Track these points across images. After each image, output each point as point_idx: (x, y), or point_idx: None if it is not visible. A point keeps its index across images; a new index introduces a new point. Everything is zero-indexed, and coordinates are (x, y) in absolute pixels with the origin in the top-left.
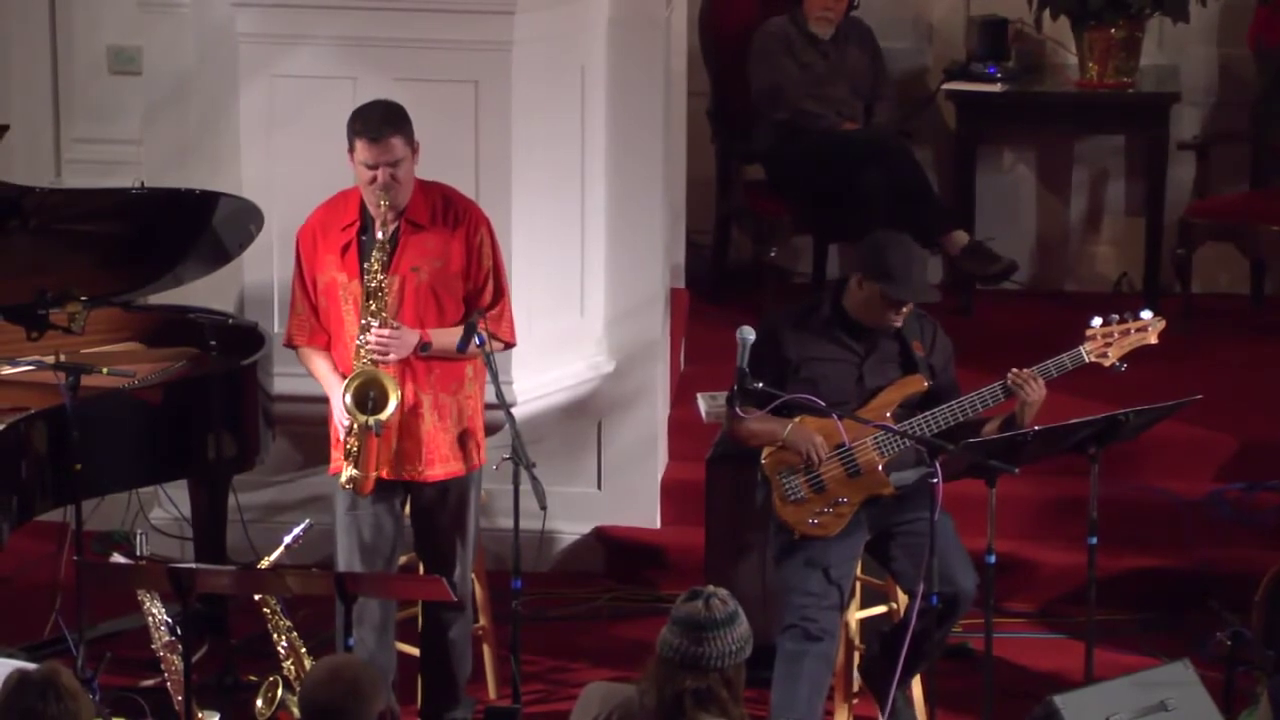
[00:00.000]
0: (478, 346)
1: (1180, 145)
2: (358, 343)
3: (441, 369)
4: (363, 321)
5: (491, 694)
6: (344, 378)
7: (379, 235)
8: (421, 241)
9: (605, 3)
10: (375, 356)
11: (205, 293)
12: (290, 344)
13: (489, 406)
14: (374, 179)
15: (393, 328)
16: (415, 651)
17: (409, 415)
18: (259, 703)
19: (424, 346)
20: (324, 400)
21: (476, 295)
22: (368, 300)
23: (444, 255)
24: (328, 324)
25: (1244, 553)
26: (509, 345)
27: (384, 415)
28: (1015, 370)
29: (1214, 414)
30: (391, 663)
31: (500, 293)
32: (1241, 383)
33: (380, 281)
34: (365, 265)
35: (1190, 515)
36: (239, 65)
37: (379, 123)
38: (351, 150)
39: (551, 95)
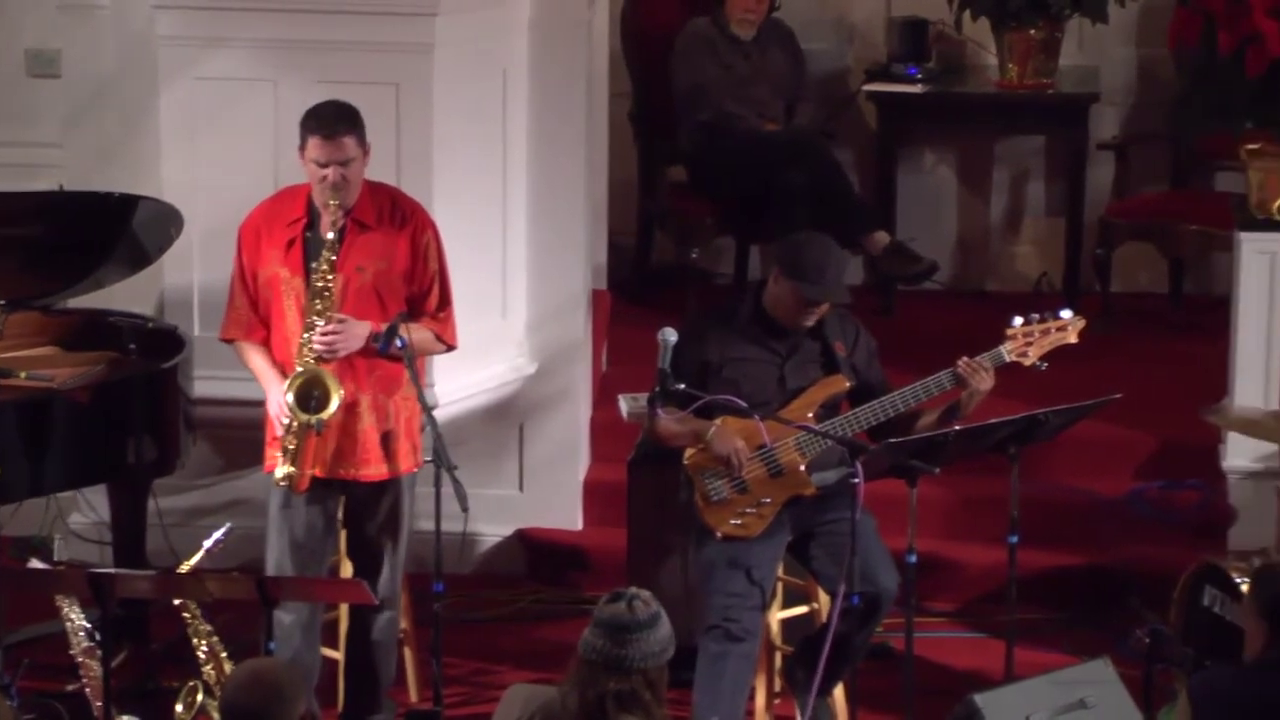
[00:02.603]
0: (399, 348)
1: (1100, 145)
2: (302, 340)
3: (382, 369)
4: (308, 320)
5: (413, 697)
6: (283, 372)
7: (329, 234)
8: (367, 242)
9: (527, 5)
10: (323, 354)
11: (125, 296)
12: (225, 339)
13: None
14: (325, 177)
15: (338, 321)
16: (338, 654)
17: (347, 414)
18: (179, 708)
19: (375, 336)
20: (245, 403)
21: (422, 298)
22: (314, 299)
23: (389, 256)
24: (267, 318)
25: (1163, 551)
26: (450, 348)
27: (326, 414)
28: (965, 359)
29: (1133, 413)
30: (316, 663)
31: (446, 297)
32: (1161, 382)
33: (329, 281)
34: (313, 264)
35: (1110, 514)
36: (159, 68)
37: (333, 121)
38: (303, 148)
39: (473, 97)
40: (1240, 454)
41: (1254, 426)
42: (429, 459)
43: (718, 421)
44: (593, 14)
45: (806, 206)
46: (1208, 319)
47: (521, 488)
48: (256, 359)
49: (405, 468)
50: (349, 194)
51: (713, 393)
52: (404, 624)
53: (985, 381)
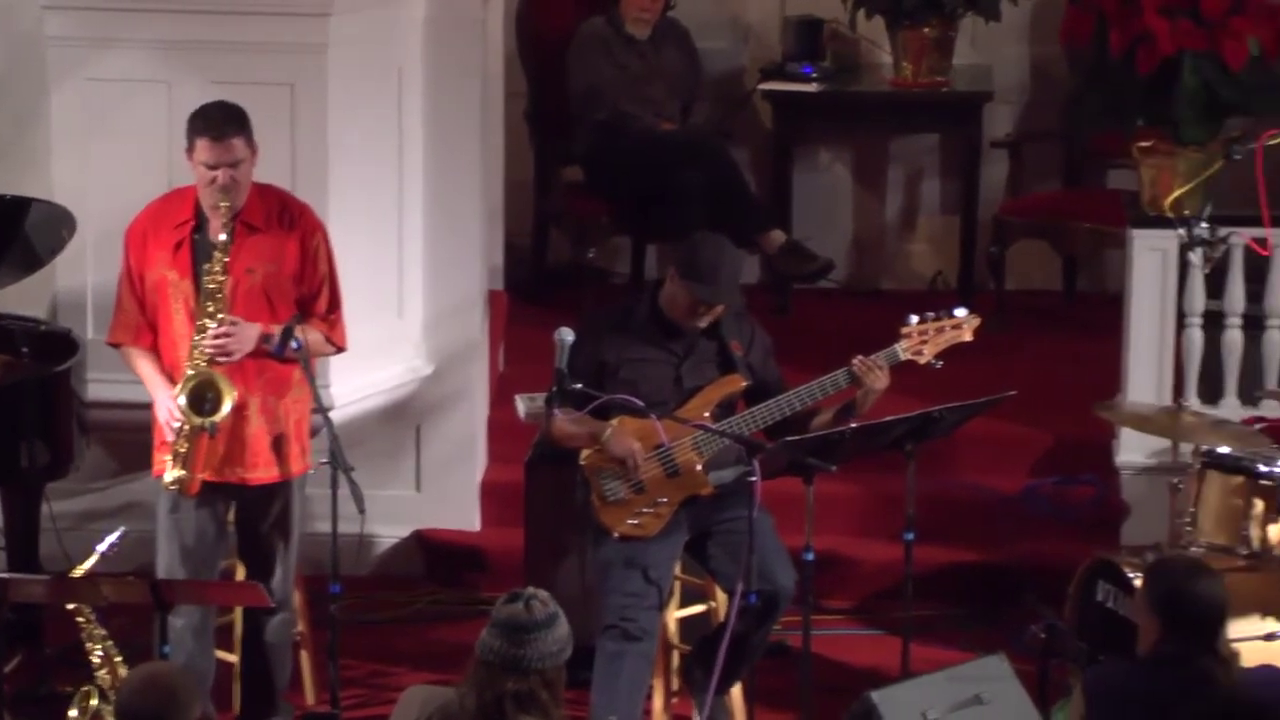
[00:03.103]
0: (294, 350)
1: (994, 143)
2: (194, 343)
3: (271, 372)
4: (199, 322)
5: (310, 699)
6: (170, 377)
7: (220, 236)
8: (256, 244)
9: (421, 4)
10: (215, 356)
11: (16, 298)
12: (113, 343)
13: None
14: (214, 179)
15: (230, 323)
16: (233, 658)
17: (235, 418)
18: (73, 713)
19: (267, 338)
20: (139, 406)
21: (312, 300)
22: (205, 301)
23: (278, 258)
24: (154, 321)
25: (1058, 546)
26: (340, 350)
27: (218, 416)
28: (860, 358)
29: (1028, 410)
30: (210, 667)
31: (335, 299)
32: (1055, 378)
33: (220, 283)
34: (205, 266)
35: (1005, 510)
36: (49, 69)
37: (221, 123)
38: (191, 150)
39: (368, 97)
40: (1133, 450)
41: (1147, 422)
42: (325, 460)
43: (614, 422)
44: (487, 13)
45: (703, 206)
46: (1101, 316)
47: (418, 489)
48: (144, 365)
49: (295, 470)
50: (238, 196)
51: (610, 393)
52: (300, 626)
53: (880, 380)
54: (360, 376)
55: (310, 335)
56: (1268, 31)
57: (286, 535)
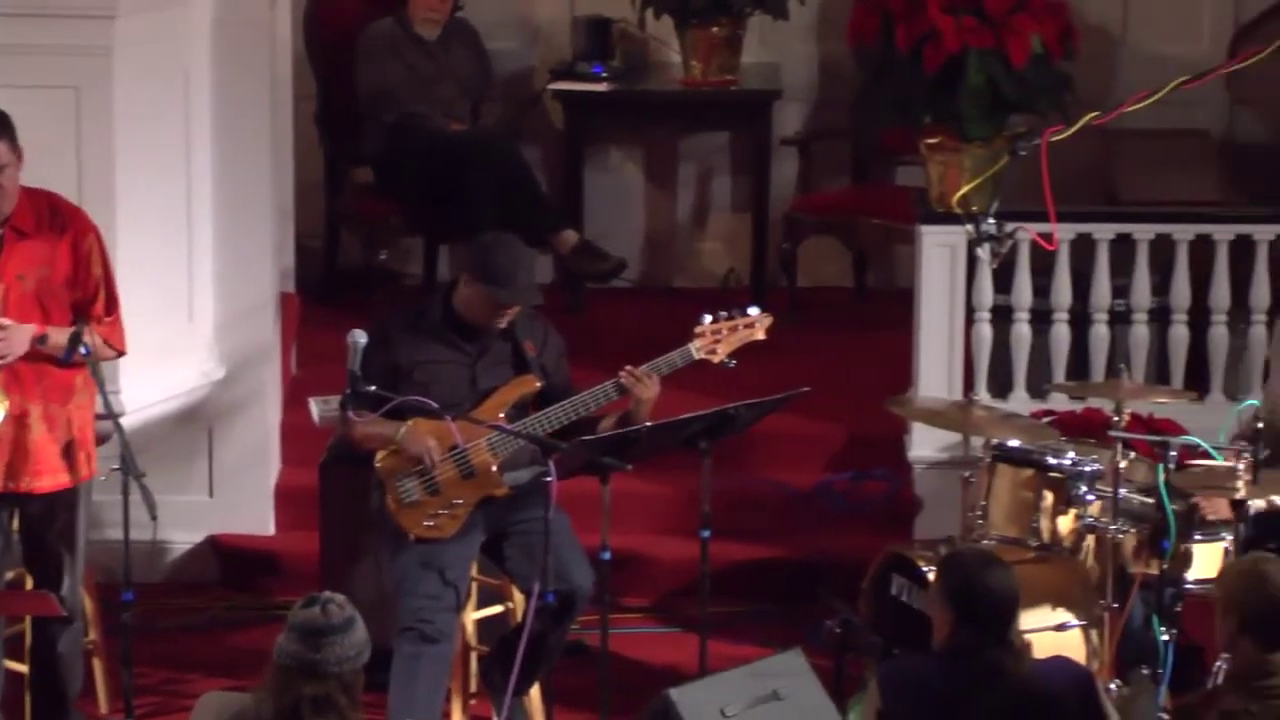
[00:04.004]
0: (83, 356)
1: (783, 141)
2: None
3: (51, 378)
4: None
5: (103, 708)
6: None
7: None
8: (27, 249)
9: (208, 6)
10: None
11: None
12: None
13: (98, 416)
14: None
15: (1, 327)
16: (23, 668)
17: (16, 426)
18: None
19: (41, 339)
20: None
21: (88, 304)
22: None
23: (50, 263)
24: None
25: (852, 541)
26: (120, 354)
27: None
28: (628, 368)
29: (822, 406)
30: None
31: (113, 301)
32: (847, 374)
33: None
34: None
35: (800, 506)
36: None
37: None
38: None
39: (155, 100)
40: (925, 444)
41: (937, 417)
42: (115, 467)
43: (409, 423)
44: (275, 15)
45: (494, 206)
46: (892, 311)
47: (211, 494)
48: None
49: (81, 476)
50: (5, 201)
51: (404, 395)
52: (92, 634)
53: (648, 390)
54: (151, 381)
55: (90, 340)
56: (1050, 29)
57: (73, 544)
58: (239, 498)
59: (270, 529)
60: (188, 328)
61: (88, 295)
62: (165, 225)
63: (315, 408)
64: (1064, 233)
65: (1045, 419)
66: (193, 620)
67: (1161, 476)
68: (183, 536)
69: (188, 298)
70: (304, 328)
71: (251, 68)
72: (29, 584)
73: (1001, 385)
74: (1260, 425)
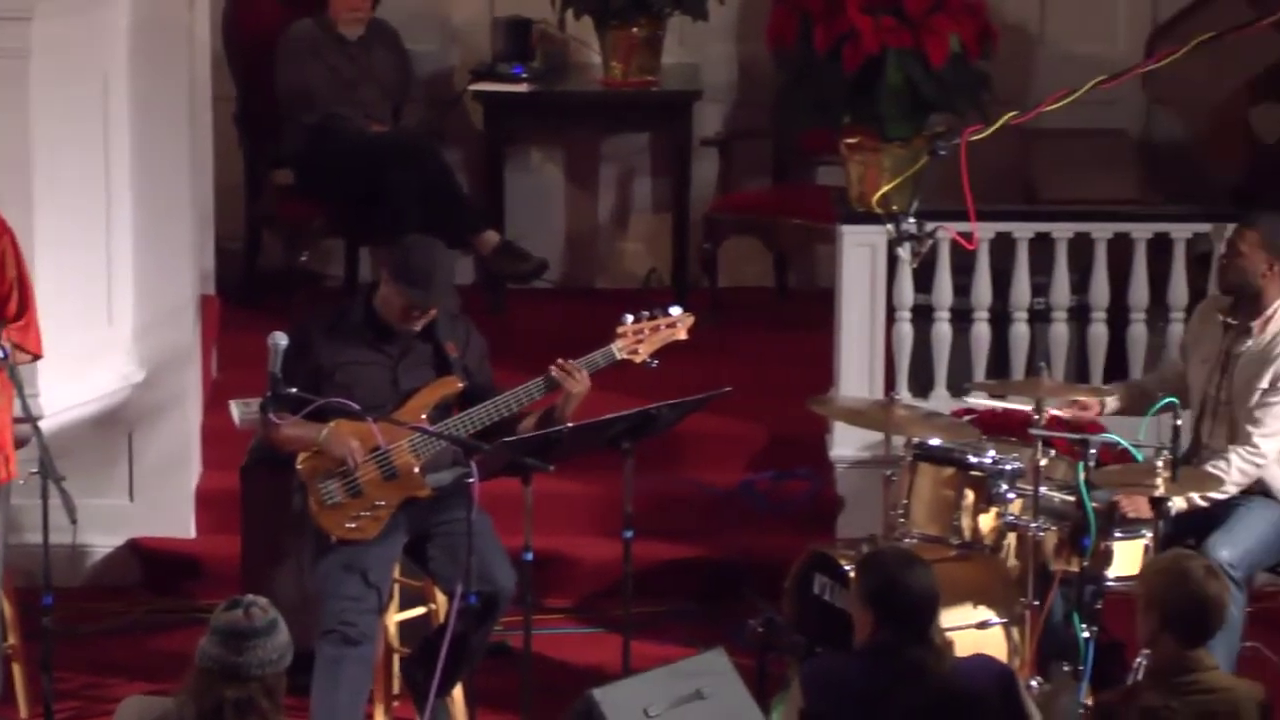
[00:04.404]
0: (0, 359)
1: (704, 142)
2: None
3: None
4: None
5: (23, 713)
6: None
7: None
8: None
9: (126, 8)
10: None
11: None
12: None
13: (16, 420)
14: None
15: None
16: None
17: None
18: None
19: None
20: None
21: (1, 305)
22: None
23: None
24: None
25: (775, 540)
26: (36, 357)
27: None
28: (560, 361)
29: (743, 406)
30: None
31: (25, 304)
32: (769, 374)
33: None
34: None
35: (723, 506)
36: None
37: None
38: None
39: (73, 102)
40: (846, 443)
41: (859, 416)
42: (34, 470)
43: (331, 424)
44: (193, 16)
45: (416, 207)
46: (813, 311)
47: (132, 497)
48: None
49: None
50: None
51: (326, 397)
52: (11, 639)
53: (579, 385)
54: (70, 384)
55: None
56: (969, 29)
57: None
58: (160, 501)
59: (191, 532)
60: (107, 331)
61: (1, 297)
62: (84, 228)
63: (236, 410)
64: (984, 232)
65: (966, 417)
66: (114, 624)
67: (1082, 474)
68: (103, 540)
69: (107, 301)
70: (225, 330)
71: (170, 70)
72: None
73: (922, 384)
74: (1178, 424)
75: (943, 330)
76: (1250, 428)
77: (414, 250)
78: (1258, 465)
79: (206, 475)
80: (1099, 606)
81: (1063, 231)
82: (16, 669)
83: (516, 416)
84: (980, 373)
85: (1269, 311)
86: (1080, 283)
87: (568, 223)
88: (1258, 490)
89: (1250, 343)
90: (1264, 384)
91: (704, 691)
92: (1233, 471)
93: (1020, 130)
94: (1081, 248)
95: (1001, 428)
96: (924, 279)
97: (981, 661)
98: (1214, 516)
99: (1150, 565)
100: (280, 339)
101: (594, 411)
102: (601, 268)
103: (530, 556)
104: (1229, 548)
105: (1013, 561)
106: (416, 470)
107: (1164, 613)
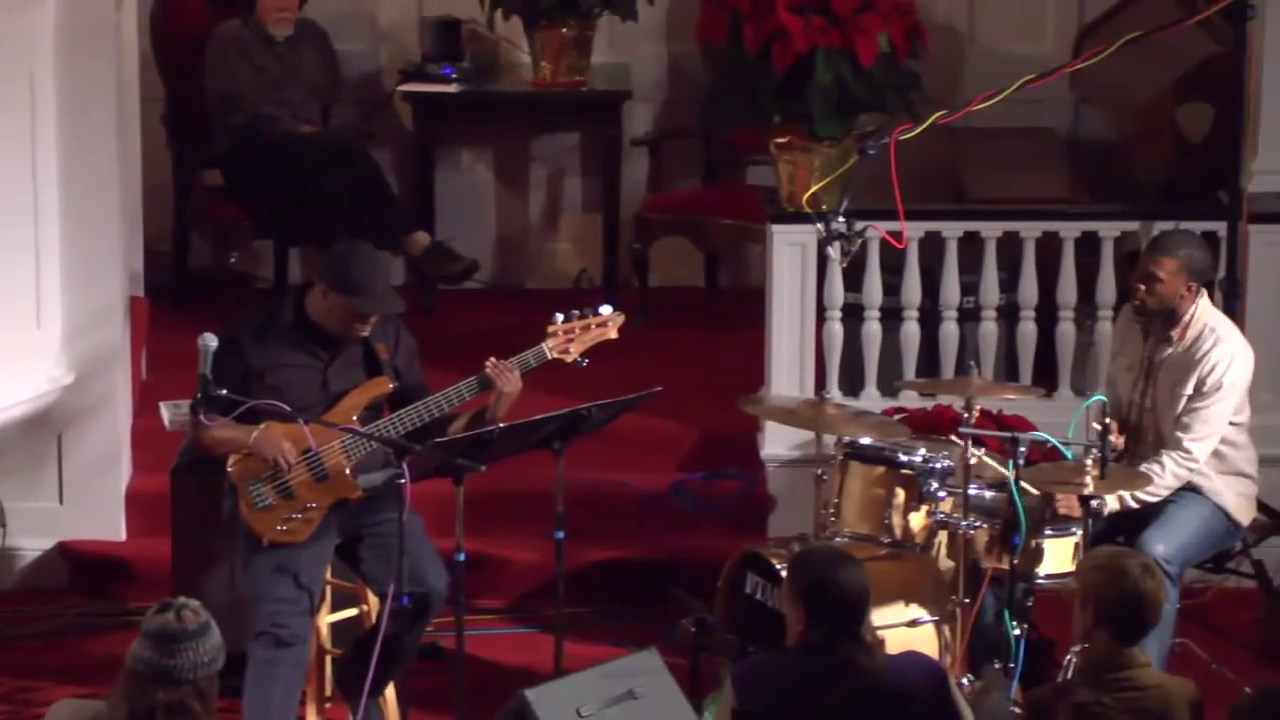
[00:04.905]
0: None
1: (634, 142)
2: None
3: None
4: None
5: None
6: None
7: None
8: None
9: (52, 7)
10: None
11: None
12: None
13: None
14: None
15: None
16: None
17: None
18: None
19: None
20: None
21: None
22: None
23: None
24: None
25: (707, 540)
26: None
27: None
28: (494, 360)
29: (674, 405)
30: None
31: None
32: (700, 374)
33: None
34: None
35: (654, 505)
36: None
37: None
38: None
39: None
40: (777, 442)
41: (790, 415)
42: None
43: (261, 426)
44: (120, 16)
45: (345, 208)
46: (744, 311)
47: (61, 500)
48: None
49: None
50: None
51: (256, 398)
52: None
53: (512, 383)
54: None
55: None
56: (898, 28)
57: None
58: (89, 504)
59: (121, 535)
60: (35, 332)
61: None
62: (11, 229)
63: (166, 412)
64: (913, 231)
65: (896, 416)
66: (44, 627)
67: (1011, 472)
68: (32, 543)
69: (35, 302)
70: (154, 332)
71: (97, 69)
72: None
73: (853, 383)
74: (1107, 421)
75: (873, 329)
76: (1180, 434)
77: (351, 258)
78: (1190, 469)
79: (136, 477)
80: (1029, 604)
81: (992, 230)
82: None
83: (448, 417)
84: (911, 371)
85: (1185, 319)
86: (1009, 281)
87: (498, 223)
88: (1188, 486)
89: (1170, 350)
90: (1188, 390)
91: (637, 691)
92: (1166, 475)
93: (949, 129)
94: (1010, 246)
95: (932, 426)
96: (854, 278)
97: (913, 659)
98: (1145, 513)
99: (1087, 561)
100: (210, 340)
101: (525, 411)
102: (532, 268)
103: (463, 557)
104: (1163, 543)
105: (943, 560)
106: (348, 472)
107: (1100, 609)
